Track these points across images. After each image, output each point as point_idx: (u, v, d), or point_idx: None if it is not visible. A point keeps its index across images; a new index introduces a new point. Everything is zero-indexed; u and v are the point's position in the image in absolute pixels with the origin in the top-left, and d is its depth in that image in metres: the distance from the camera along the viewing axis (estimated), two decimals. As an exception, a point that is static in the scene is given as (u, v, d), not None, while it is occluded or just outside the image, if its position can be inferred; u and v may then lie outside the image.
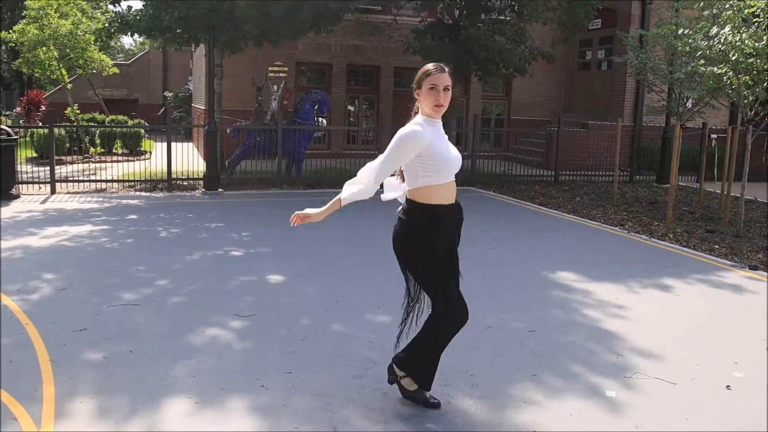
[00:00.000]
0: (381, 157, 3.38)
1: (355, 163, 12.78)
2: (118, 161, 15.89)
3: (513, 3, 14.16)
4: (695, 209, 10.84)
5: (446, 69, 3.32)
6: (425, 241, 3.35)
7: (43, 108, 19.36)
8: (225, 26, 11.17)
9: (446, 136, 3.41)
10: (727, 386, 4.07)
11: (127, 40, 49.76)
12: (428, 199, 3.33)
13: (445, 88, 3.28)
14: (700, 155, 12.49)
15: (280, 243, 7.66)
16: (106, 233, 7.85)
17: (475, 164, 13.78)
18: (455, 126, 14.87)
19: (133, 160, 16.38)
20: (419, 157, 3.27)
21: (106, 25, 12.63)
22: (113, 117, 18.96)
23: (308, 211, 3.48)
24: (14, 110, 25.01)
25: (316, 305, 5.39)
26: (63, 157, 15.13)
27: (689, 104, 11.25)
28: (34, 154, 15.67)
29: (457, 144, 3.62)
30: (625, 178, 14.66)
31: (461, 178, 13.44)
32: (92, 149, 16.45)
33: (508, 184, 13.53)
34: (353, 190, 3.48)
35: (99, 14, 17.21)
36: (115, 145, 17.51)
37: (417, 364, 3.58)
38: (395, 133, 3.26)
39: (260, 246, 7.52)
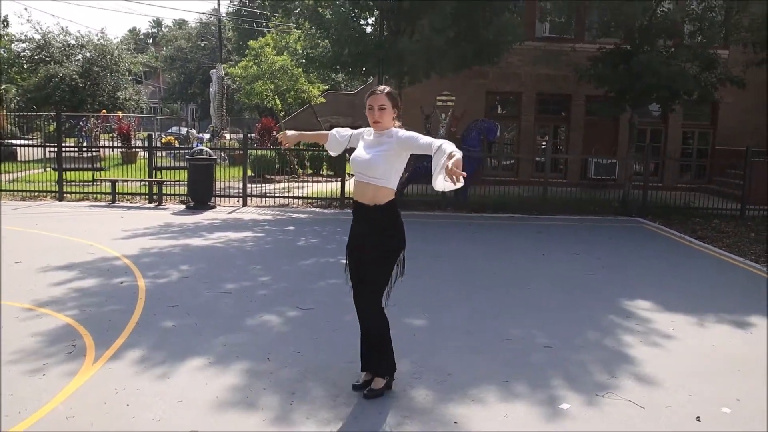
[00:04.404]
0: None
1: (538, 191, 13.18)
2: (318, 181, 17.92)
3: (701, 25, 13.46)
4: None
5: (385, 90, 3.96)
6: None
7: (274, 133, 22.43)
8: (392, 60, 12.34)
9: (386, 146, 3.90)
10: (697, 417, 4.00)
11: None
12: None
13: (380, 107, 3.91)
14: None
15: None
16: (256, 239, 9.33)
17: (646, 195, 13.30)
18: (632, 157, 14.37)
19: (333, 181, 18.31)
20: None
21: (303, 61, 14.61)
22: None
23: (290, 133, 4.39)
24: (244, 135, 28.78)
25: (368, 306, 6.11)
26: (273, 176, 17.53)
27: None
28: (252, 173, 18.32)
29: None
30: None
31: (629, 209, 13.20)
32: (299, 170, 18.73)
33: (683, 217, 12.86)
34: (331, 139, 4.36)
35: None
36: (322, 168, 19.69)
37: None
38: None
39: (371, 257, 8.38)
